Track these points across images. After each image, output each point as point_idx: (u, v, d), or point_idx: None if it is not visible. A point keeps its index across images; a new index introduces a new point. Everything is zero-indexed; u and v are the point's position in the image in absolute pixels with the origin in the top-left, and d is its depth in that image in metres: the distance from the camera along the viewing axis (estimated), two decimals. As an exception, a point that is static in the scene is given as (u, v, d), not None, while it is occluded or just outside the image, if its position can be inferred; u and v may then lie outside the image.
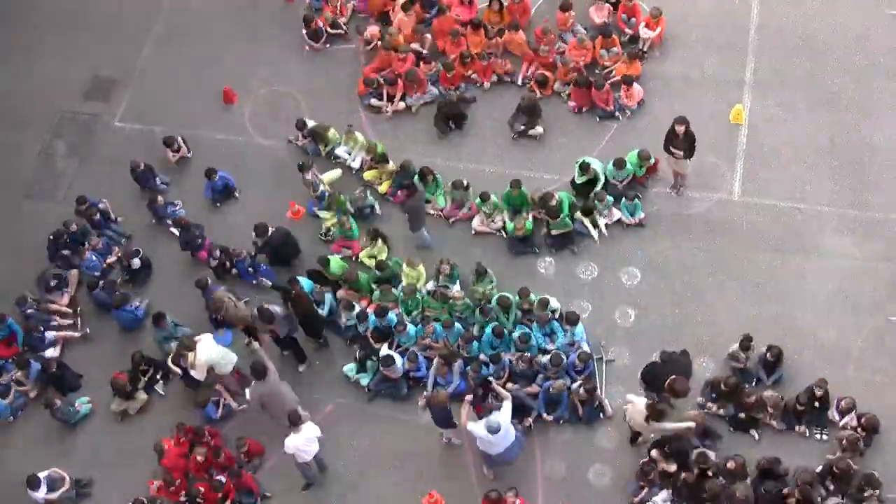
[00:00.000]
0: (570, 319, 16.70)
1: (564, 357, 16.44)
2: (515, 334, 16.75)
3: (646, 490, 15.70)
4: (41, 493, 16.24)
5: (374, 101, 19.96)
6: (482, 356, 16.84)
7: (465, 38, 20.05)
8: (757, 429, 16.11)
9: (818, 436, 16.00)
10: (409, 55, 19.94)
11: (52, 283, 18.43)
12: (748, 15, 20.29)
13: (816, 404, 15.86)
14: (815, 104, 19.14)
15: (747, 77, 19.54)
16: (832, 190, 18.23)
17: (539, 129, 19.18)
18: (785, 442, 16.01)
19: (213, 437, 16.65)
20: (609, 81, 19.19)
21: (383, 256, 18.06)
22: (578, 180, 18.20)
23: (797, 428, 16.01)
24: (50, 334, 17.99)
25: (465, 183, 18.39)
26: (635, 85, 19.20)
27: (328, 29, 20.85)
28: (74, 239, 18.71)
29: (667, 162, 17.97)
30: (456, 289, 17.48)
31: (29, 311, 18.06)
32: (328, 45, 20.92)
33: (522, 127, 19.18)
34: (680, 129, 17.14)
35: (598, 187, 18.14)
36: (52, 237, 18.56)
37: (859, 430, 15.69)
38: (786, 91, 19.32)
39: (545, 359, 16.54)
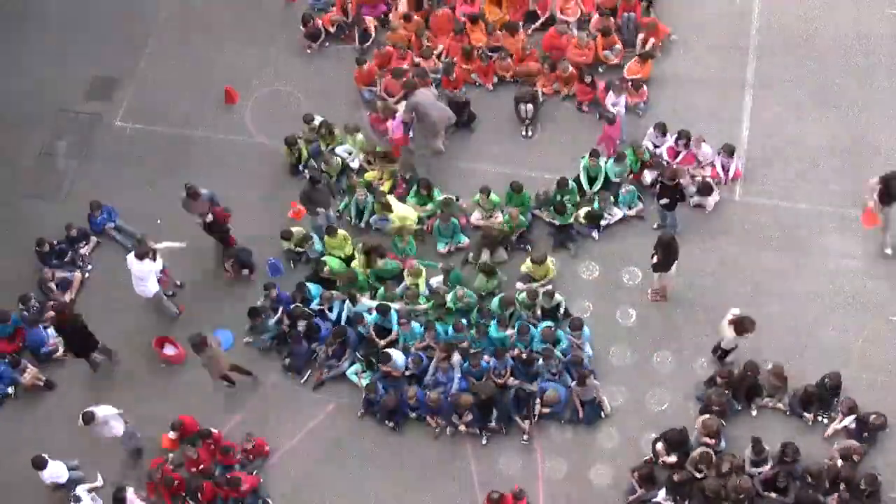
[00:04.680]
0: (574, 325, 16.69)
1: (559, 353, 16.47)
2: (514, 327, 16.76)
3: (642, 490, 15.70)
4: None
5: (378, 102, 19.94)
6: (485, 356, 16.83)
7: (467, 34, 20.05)
8: (759, 399, 16.26)
9: (823, 419, 16.09)
10: (408, 53, 19.94)
11: (55, 286, 18.43)
12: (750, 15, 20.28)
13: (826, 392, 15.97)
14: (816, 104, 19.13)
15: (749, 77, 19.53)
16: (833, 190, 18.21)
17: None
18: (787, 428, 16.10)
19: (216, 441, 16.65)
20: (618, 80, 19.21)
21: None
22: (583, 169, 18.19)
23: (805, 415, 16.09)
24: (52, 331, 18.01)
25: (455, 198, 18.38)
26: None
27: (330, 28, 20.83)
28: (75, 240, 18.74)
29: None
30: (459, 290, 17.49)
31: (26, 312, 17.99)
32: (327, 45, 20.92)
33: (530, 111, 19.13)
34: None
35: (597, 186, 18.19)
36: (37, 249, 18.52)
37: (862, 433, 15.75)
38: (787, 91, 19.30)
39: (541, 360, 16.56)
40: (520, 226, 17.95)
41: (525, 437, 16.53)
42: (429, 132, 18.59)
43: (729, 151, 18.02)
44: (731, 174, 18.23)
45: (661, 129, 18.39)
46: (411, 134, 18.84)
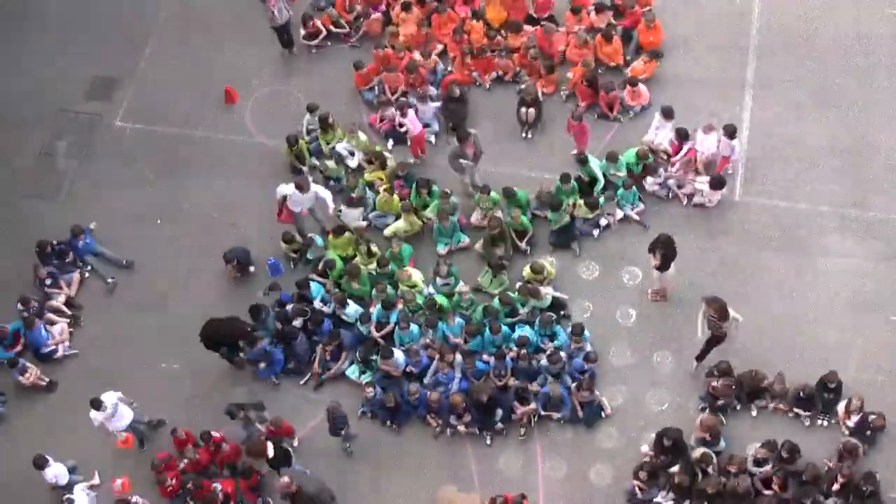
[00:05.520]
0: (576, 330, 16.70)
1: (563, 356, 16.48)
2: (516, 334, 16.76)
3: (645, 487, 15.73)
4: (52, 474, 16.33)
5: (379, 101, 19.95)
6: (484, 356, 16.85)
7: (468, 35, 20.03)
8: (759, 400, 16.29)
9: (822, 422, 16.12)
10: (406, 52, 19.94)
11: (49, 282, 18.44)
12: (750, 15, 20.28)
13: (826, 394, 15.99)
14: (816, 104, 19.14)
15: (749, 77, 19.53)
16: (833, 190, 18.22)
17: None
18: (787, 429, 16.11)
19: (216, 443, 16.67)
20: (625, 80, 19.19)
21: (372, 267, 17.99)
22: (582, 173, 18.19)
23: (802, 414, 16.12)
24: (56, 328, 18.04)
25: (449, 192, 18.32)
26: (641, 87, 19.17)
27: (331, 27, 20.84)
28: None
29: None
30: (461, 285, 17.51)
31: (26, 314, 18.01)
32: (328, 44, 20.91)
33: (532, 116, 19.07)
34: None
35: (599, 187, 18.17)
36: (37, 250, 18.52)
37: (862, 432, 15.77)
38: (787, 91, 19.30)
39: (544, 360, 16.59)
40: (523, 227, 17.93)
41: (522, 431, 16.54)
42: (468, 167, 18.31)
43: (730, 132, 17.77)
44: (731, 157, 18.07)
45: (667, 113, 18.27)
46: (433, 140, 19.19)
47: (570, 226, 17.97)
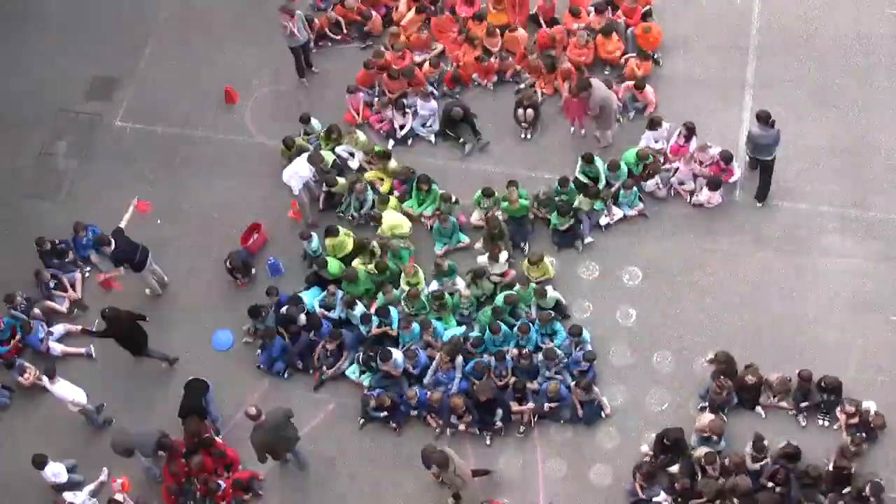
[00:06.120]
0: (574, 332, 16.70)
1: (560, 353, 16.49)
2: (517, 325, 16.76)
3: (645, 487, 15.72)
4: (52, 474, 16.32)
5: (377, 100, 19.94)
6: (485, 356, 16.86)
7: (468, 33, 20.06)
8: (759, 404, 16.29)
9: (822, 422, 16.10)
10: (405, 52, 19.94)
11: (52, 285, 18.43)
12: (750, 15, 20.28)
13: (826, 395, 15.98)
14: (816, 104, 19.13)
15: (749, 77, 19.53)
16: (833, 190, 18.22)
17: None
18: (787, 428, 16.11)
19: (217, 448, 16.67)
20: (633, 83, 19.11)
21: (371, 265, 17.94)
22: (580, 174, 18.17)
23: (798, 417, 16.13)
24: (59, 328, 18.05)
25: (453, 198, 18.36)
26: (648, 87, 19.14)
27: (328, 31, 20.83)
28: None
29: None
30: (462, 286, 17.48)
31: (14, 311, 17.99)
32: (330, 45, 20.91)
33: (530, 116, 19.05)
34: None
35: (600, 185, 18.16)
36: (38, 249, 18.49)
37: (862, 432, 15.73)
38: (787, 91, 19.29)
39: (541, 356, 16.61)
40: (521, 210, 17.85)
41: (521, 428, 16.54)
42: (606, 124, 18.33)
43: (726, 158, 17.91)
44: (731, 179, 18.19)
45: (655, 124, 18.38)
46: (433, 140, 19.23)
47: (574, 226, 17.97)
